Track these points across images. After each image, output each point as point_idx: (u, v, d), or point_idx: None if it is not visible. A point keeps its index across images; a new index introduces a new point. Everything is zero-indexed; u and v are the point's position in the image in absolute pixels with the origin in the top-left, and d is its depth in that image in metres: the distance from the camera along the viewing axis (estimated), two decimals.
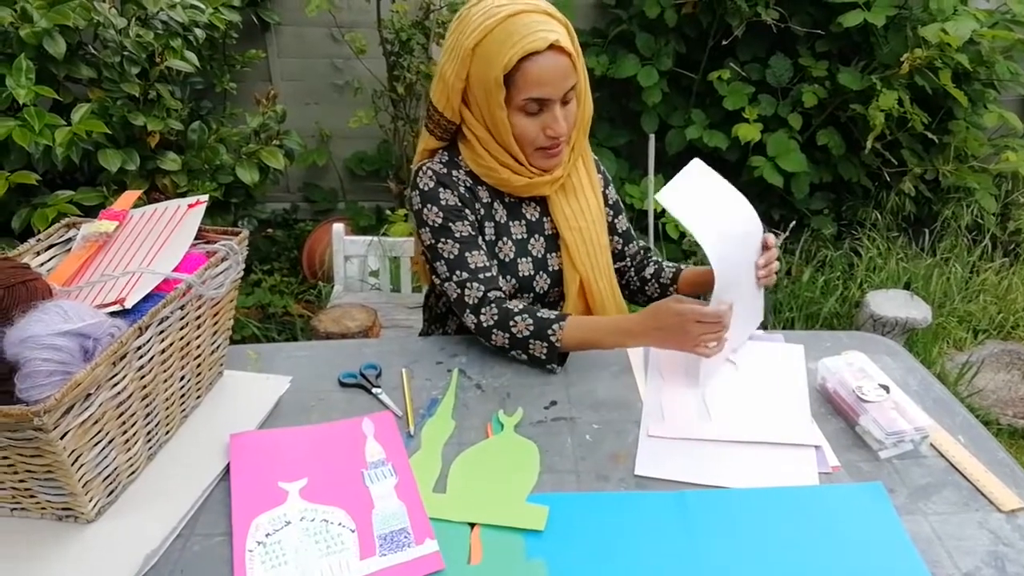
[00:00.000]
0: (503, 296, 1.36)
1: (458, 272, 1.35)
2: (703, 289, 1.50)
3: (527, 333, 1.30)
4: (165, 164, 2.44)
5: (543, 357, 1.31)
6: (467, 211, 1.38)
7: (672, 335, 1.24)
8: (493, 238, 1.43)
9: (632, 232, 1.65)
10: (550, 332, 1.29)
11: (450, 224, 1.36)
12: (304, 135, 3.29)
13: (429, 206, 1.36)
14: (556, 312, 1.33)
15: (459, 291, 1.35)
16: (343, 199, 3.88)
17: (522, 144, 1.35)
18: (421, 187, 1.38)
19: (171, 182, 2.49)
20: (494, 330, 1.32)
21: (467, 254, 1.36)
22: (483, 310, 1.33)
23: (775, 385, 1.27)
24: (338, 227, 2.37)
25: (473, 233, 1.37)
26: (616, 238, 1.61)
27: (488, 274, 1.36)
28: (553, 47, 1.25)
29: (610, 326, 1.32)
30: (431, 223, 1.36)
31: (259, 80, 3.55)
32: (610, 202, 1.58)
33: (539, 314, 1.31)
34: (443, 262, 1.36)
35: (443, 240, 1.36)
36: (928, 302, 3.07)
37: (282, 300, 3.21)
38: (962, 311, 3.26)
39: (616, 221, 1.60)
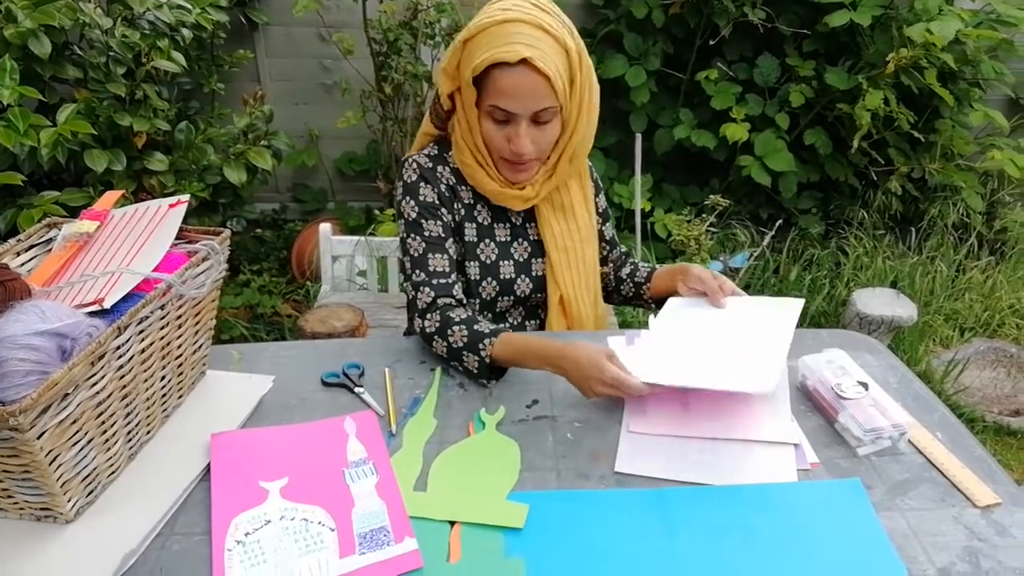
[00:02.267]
0: (451, 303, 1.35)
1: (417, 272, 1.36)
2: (673, 287, 1.49)
3: (460, 344, 1.28)
4: (152, 164, 2.43)
5: (475, 371, 1.27)
6: (443, 210, 1.39)
7: (582, 383, 1.18)
8: (475, 239, 1.43)
9: (616, 238, 1.67)
10: (481, 347, 1.26)
11: (423, 221, 1.37)
12: (293, 135, 3.29)
13: (408, 199, 1.38)
14: (493, 326, 1.30)
15: (414, 292, 1.36)
16: (332, 199, 3.88)
17: (489, 149, 1.36)
18: (404, 179, 1.40)
19: (158, 182, 2.48)
20: (435, 337, 1.31)
21: (430, 255, 1.36)
22: (428, 315, 1.33)
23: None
24: (325, 227, 2.36)
25: (443, 235, 1.38)
26: (603, 244, 1.62)
27: (443, 280, 1.36)
28: (525, 63, 1.23)
29: (538, 351, 1.24)
30: (407, 216, 1.38)
31: (248, 80, 3.55)
32: (599, 210, 1.58)
33: (476, 326, 1.28)
34: (408, 258, 1.38)
35: (412, 236, 1.37)
36: (914, 300, 3.09)
37: (271, 300, 3.21)
38: (948, 309, 3.28)
39: (603, 228, 1.61)
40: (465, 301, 1.39)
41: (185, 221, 1.19)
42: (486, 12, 1.29)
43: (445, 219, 1.39)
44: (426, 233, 1.37)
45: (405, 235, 1.38)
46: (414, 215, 1.37)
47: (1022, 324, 3.25)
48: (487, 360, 1.26)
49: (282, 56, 3.62)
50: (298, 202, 3.88)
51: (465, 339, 1.28)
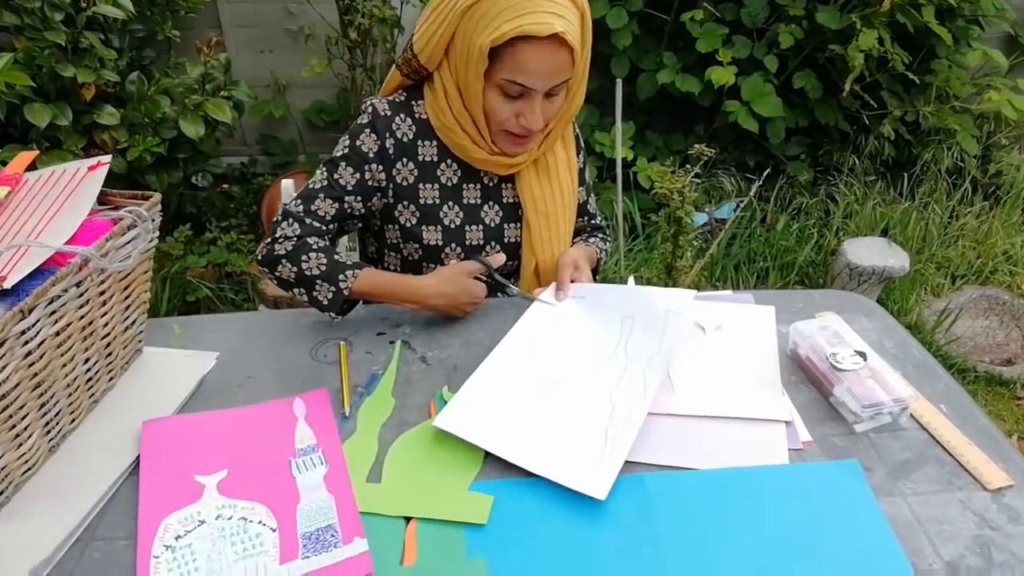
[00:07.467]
0: (307, 237, 1.25)
1: (297, 203, 1.27)
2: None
3: (317, 272, 1.22)
4: (102, 118, 2.29)
5: (324, 302, 1.22)
6: (374, 166, 1.28)
7: (448, 301, 1.24)
8: (436, 200, 1.31)
9: (590, 207, 1.55)
10: (341, 278, 1.21)
11: (341, 164, 1.27)
12: (258, 85, 3.12)
13: (346, 138, 1.29)
14: (355, 259, 1.26)
15: (282, 218, 1.27)
16: (303, 151, 3.72)
17: (490, 121, 1.24)
18: (357, 119, 1.29)
19: (110, 137, 2.34)
20: (283, 260, 1.23)
21: (320, 197, 1.27)
22: (280, 241, 1.24)
23: (743, 353, 1.18)
24: (287, 183, 2.22)
25: (350, 189, 1.27)
26: None
27: (317, 224, 1.26)
28: (556, 37, 1.10)
29: (402, 284, 1.25)
30: (334, 152, 1.29)
31: (207, 27, 3.35)
32: (576, 168, 1.46)
33: (335, 257, 1.23)
34: (305, 187, 1.29)
35: (324, 170, 1.29)
36: (906, 248, 2.99)
37: (240, 259, 3.07)
38: (940, 257, 3.19)
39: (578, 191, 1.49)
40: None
41: (144, 177, 1.07)
42: None
43: (371, 176, 1.28)
44: (336, 176, 1.27)
45: (321, 166, 1.29)
46: (339, 155, 1.28)
47: (1015, 271, 3.17)
48: (345, 292, 1.21)
49: (243, 0, 3.41)
50: (267, 155, 3.71)
51: (323, 267, 1.22)
